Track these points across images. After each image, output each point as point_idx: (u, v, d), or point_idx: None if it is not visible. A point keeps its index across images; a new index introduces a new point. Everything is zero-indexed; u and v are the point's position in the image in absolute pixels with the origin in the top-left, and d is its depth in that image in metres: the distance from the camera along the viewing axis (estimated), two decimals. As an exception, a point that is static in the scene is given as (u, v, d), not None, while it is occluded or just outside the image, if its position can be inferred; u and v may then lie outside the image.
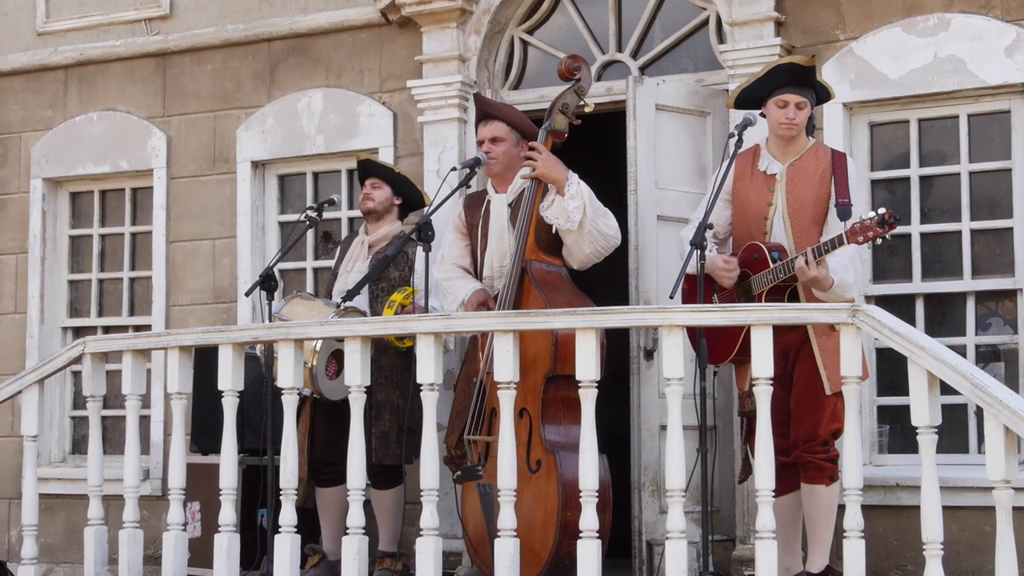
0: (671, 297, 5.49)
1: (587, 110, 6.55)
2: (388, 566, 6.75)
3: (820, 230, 5.78)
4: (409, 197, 7.14)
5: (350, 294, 6.53)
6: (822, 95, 6.05)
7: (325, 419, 6.79)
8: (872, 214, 5.35)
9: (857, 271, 5.76)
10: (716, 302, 5.88)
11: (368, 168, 7.10)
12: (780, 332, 5.06)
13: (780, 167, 5.94)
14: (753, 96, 5.98)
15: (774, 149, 6.00)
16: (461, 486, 6.39)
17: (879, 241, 5.40)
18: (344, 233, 7.87)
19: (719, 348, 5.79)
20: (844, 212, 5.65)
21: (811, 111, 5.96)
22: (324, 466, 6.80)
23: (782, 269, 5.69)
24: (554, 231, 6.36)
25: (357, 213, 7.60)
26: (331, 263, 7.32)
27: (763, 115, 5.98)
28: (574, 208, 6.24)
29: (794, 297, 5.78)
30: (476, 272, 6.65)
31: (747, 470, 6.04)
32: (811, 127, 6.04)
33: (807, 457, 5.72)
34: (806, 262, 5.54)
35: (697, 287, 5.54)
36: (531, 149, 6.40)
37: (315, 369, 6.48)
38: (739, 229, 6.02)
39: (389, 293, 6.77)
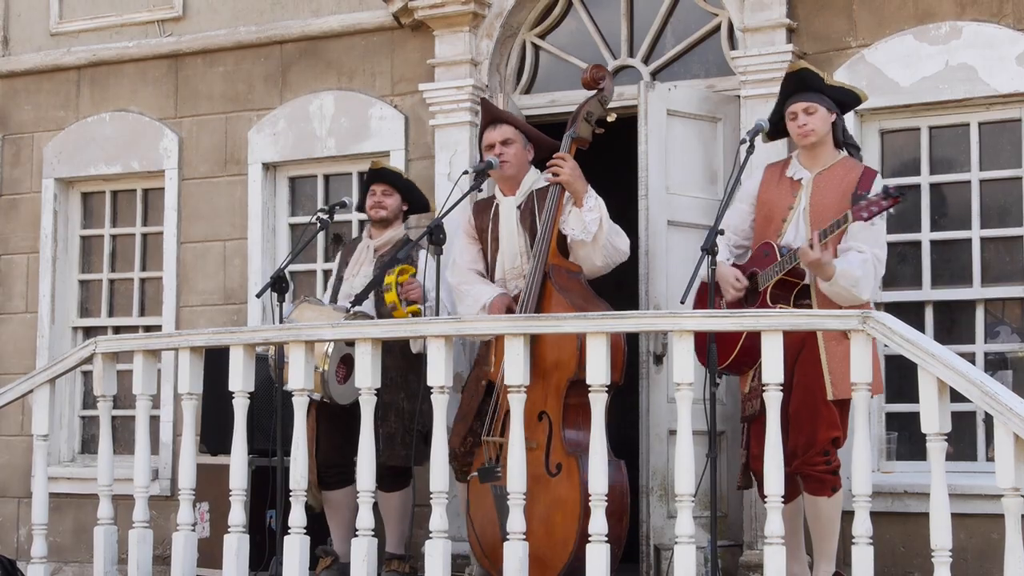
0: (682, 302, 5.49)
1: (610, 119, 6.54)
2: (396, 568, 6.76)
3: (840, 237, 5.77)
4: (416, 203, 7.15)
5: (358, 298, 6.53)
6: (848, 100, 6.03)
7: (329, 423, 6.78)
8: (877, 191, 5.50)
9: (867, 273, 5.69)
10: (723, 307, 5.89)
11: (381, 175, 7.07)
12: None
13: (808, 174, 5.95)
14: (778, 120, 6.02)
15: (804, 159, 6.01)
16: (468, 488, 6.40)
17: (884, 216, 5.48)
18: (355, 235, 7.87)
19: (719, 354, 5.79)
20: (857, 198, 5.60)
21: (833, 116, 5.95)
22: (328, 469, 6.80)
23: (788, 260, 5.69)
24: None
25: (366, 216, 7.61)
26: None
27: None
28: (591, 220, 6.23)
29: (802, 296, 5.77)
30: (489, 275, 6.65)
31: (747, 476, 6.02)
32: (840, 134, 6.01)
33: (808, 470, 5.69)
34: (811, 245, 5.55)
35: (708, 293, 5.54)
36: (558, 157, 6.38)
37: (326, 374, 6.48)
38: (758, 233, 6.05)
39: None
